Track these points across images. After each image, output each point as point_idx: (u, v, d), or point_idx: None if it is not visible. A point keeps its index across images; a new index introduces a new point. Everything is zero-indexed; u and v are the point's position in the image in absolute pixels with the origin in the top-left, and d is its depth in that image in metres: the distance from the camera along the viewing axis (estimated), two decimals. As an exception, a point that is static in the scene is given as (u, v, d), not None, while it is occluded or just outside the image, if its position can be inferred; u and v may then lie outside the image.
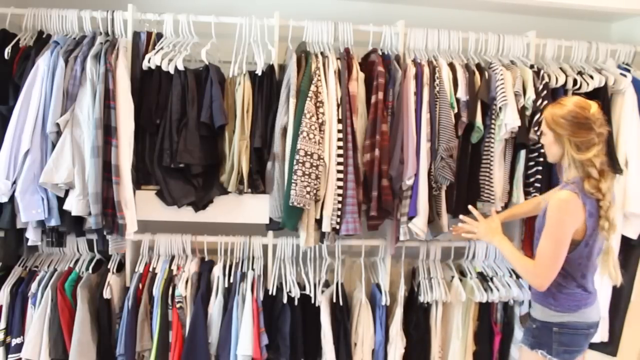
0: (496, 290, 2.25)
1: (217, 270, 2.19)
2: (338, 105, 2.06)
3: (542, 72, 2.22)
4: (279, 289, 2.25)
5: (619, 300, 2.42)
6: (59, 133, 1.91)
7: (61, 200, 1.93)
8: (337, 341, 2.22)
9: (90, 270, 2.18)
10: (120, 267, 2.25)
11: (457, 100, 2.14)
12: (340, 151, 2.05)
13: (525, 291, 2.28)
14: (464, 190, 2.22)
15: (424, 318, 2.32)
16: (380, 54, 2.19)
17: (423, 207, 2.09)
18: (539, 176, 2.22)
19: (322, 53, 2.13)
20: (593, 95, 2.25)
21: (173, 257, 2.26)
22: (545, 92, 2.17)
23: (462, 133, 2.15)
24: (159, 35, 2.18)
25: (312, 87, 2.01)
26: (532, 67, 2.24)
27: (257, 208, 2.17)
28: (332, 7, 2.54)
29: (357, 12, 2.53)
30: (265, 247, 2.31)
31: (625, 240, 2.34)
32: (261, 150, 2.11)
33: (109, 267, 2.20)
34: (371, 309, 2.29)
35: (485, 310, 2.34)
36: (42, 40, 2.09)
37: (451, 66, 2.20)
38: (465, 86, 2.14)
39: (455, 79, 2.16)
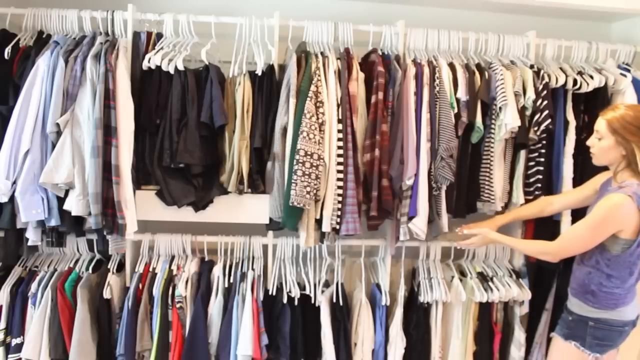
0: (496, 290, 2.25)
1: (217, 270, 2.19)
2: (338, 105, 2.06)
3: (542, 72, 2.22)
4: (279, 289, 2.25)
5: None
6: (59, 133, 1.91)
7: (61, 200, 1.93)
8: (337, 341, 2.22)
9: (90, 270, 2.18)
10: (120, 267, 2.25)
11: (457, 100, 2.14)
12: (340, 151, 2.05)
13: (526, 291, 2.28)
14: (464, 190, 2.22)
15: (424, 318, 2.32)
16: (380, 54, 2.19)
17: (423, 207, 2.09)
18: (539, 176, 2.22)
19: (322, 53, 2.13)
20: (593, 95, 2.25)
21: (173, 257, 2.26)
22: (545, 92, 2.17)
23: (462, 133, 2.15)
24: (159, 35, 2.17)
25: (312, 87, 2.01)
26: (532, 67, 2.24)
27: (257, 208, 2.17)
28: (332, 7, 2.54)
29: (357, 12, 2.53)
30: (265, 247, 2.31)
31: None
32: (261, 150, 2.11)
33: (109, 267, 2.20)
34: (371, 309, 2.29)
35: (485, 310, 2.33)
36: (42, 40, 2.09)
37: (451, 66, 2.20)
38: (465, 86, 2.14)
39: (455, 79, 2.16)
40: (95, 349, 2.08)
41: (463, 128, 2.14)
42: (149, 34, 2.15)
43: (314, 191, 1.99)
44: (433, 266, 2.38)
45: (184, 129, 2.04)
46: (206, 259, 2.29)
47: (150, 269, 2.19)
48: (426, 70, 2.14)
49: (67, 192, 1.93)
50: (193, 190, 2.11)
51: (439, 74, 2.14)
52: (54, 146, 1.91)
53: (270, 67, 2.15)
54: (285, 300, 2.21)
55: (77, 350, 2.00)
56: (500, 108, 2.14)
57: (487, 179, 2.20)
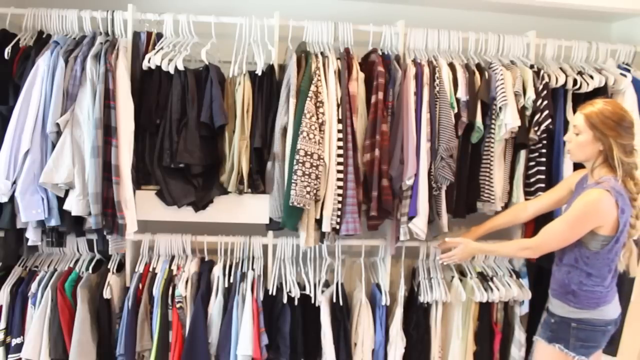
0: (496, 290, 2.25)
1: (217, 270, 2.19)
2: (338, 105, 2.06)
3: (542, 72, 2.22)
4: (279, 289, 2.24)
5: (619, 300, 2.42)
6: (59, 133, 1.91)
7: (61, 200, 1.93)
8: (337, 341, 2.22)
9: (90, 270, 2.18)
10: (120, 267, 2.25)
11: (457, 100, 2.14)
12: (340, 151, 2.05)
13: (526, 291, 2.28)
14: (464, 190, 2.22)
15: (424, 318, 2.32)
16: (380, 54, 2.19)
17: (423, 207, 2.09)
18: (539, 176, 2.22)
19: (322, 53, 2.13)
20: (593, 95, 2.25)
21: (173, 257, 2.26)
22: (545, 92, 2.17)
23: (462, 133, 2.15)
24: (159, 35, 2.18)
25: (312, 87, 2.01)
26: (532, 67, 2.24)
27: (257, 208, 2.17)
28: (332, 7, 2.54)
29: (357, 12, 2.53)
30: (265, 247, 2.31)
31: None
32: (261, 150, 2.11)
33: (109, 267, 2.20)
34: (371, 309, 2.29)
35: (485, 310, 2.33)
36: (42, 40, 2.09)
37: (451, 66, 2.20)
38: (465, 86, 2.14)
39: (455, 79, 2.16)
40: (95, 349, 2.08)
41: (463, 128, 2.14)
42: (149, 34, 2.15)
43: (314, 191, 1.99)
44: (433, 266, 2.38)
45: (184, 129, 2.04)
46: (206, 259, 2.29)
47: (150, 269, 2.19)
48: (426, 70, 2.14)
49: (67, 192, 1.93)
50: (193, 190, 2.11)
51: (439, 74, 2.14)
52: (54, 146, 1.91)
53: (270, 67, 2.15)
54: (285, 300, 2.21)
55: (77, 350, 2.00)
56: (500, 108, 2.14)
57: (487, 179, 2.20)
